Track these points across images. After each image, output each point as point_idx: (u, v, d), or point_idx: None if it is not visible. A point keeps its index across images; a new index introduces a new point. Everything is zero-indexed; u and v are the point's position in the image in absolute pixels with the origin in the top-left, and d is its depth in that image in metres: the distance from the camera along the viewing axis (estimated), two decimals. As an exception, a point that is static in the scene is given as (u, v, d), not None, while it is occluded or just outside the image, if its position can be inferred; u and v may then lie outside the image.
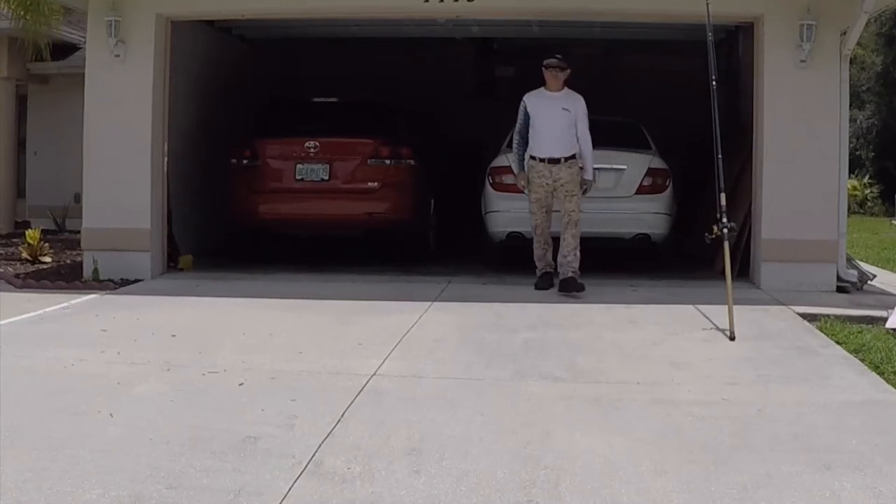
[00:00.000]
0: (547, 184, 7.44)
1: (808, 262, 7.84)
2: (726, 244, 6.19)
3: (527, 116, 7.52)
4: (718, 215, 6.17)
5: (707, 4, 6.40)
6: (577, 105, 7.49)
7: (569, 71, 7.54)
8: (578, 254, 7.38)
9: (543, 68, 7.54)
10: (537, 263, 7.70)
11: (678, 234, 8.89)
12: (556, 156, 7.38)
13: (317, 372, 5.04)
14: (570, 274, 7.32)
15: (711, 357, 5.45)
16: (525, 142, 7.54)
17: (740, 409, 4.40)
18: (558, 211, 7.51)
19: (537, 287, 7.56)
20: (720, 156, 6.33)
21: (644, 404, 4.46)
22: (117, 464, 3.57)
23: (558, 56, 7.53)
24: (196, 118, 9.56)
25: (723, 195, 6.18)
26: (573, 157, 7.41)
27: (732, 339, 5.83)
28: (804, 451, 3.78)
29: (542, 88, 7.60)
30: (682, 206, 8.93)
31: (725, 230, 6.16)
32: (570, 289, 7.25)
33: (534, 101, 7.56)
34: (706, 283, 7.66)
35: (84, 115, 8.51)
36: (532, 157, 7.49)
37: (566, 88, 7.55)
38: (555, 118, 7.43)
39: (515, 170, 7.71)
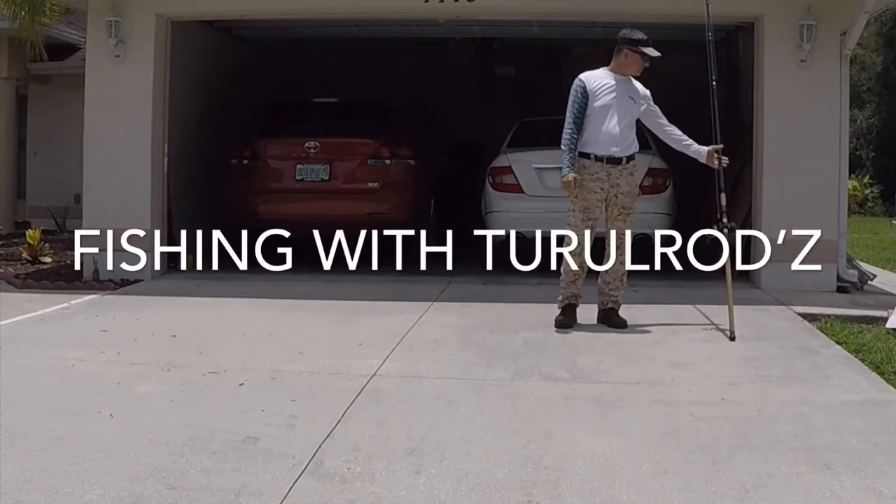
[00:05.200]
0: (601, 189, 6.03)
1: (808, 262, 7.84)
2: (726, 244, 6.19)
3: (585, 100, 6.05)
4: (718, 215, 6.17)
5: (707, 4, 6.39)
6: (646, 95, 6.20)
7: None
8: (626, 281, 6.32)
9: (625, 46, 6.09)
10: (562, 292, 6.22)
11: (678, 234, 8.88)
12: (619, 154, 6.03)
13: (317, 372, 5.04)
14: (611, 304, 6.27)
15: (712, 357, 5.45)
16: (579, 132, 6.06)
17: (741, 409, 4.39)
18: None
19: (560, 325, 6.13)
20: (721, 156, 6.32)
21: (644, 404, 4.46)
22: (117, 464, 3.56)
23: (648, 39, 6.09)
24: (196, 118, 9.55)
25: (723, 195, 6.17)
26: (633, 158, 6.17)
27: (733, 339, 5.83)
28: (804, 451, 3.78)
29: (604, 70, 6.18)
30: (682, 206, 8.92)
31: (725, 230, 6.15)
32: (615, 323, 6.20)
33: (595, 83, 6.08)
34: (706, 283, 7.66)
35: (84, 115, 8.52)
36: (584, 155, 6.04)
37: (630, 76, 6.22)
38: (622, 107, 6.05)
39: (566, 169, 5.99)
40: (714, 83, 6.23)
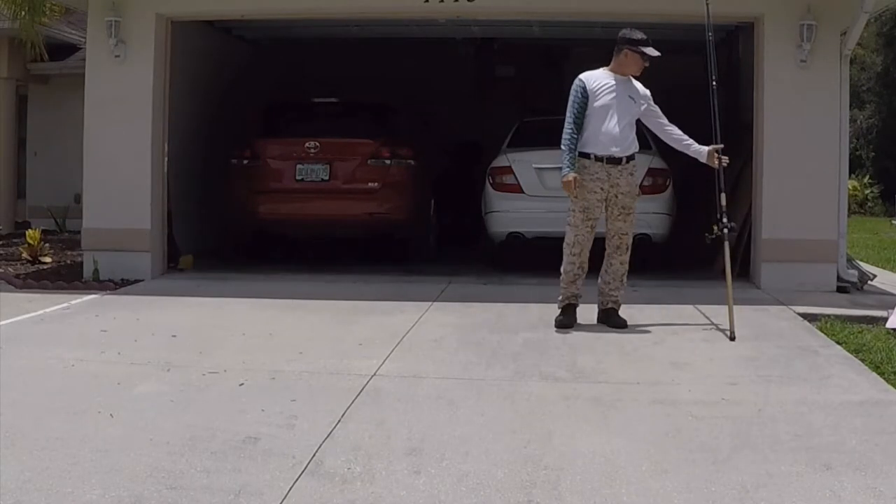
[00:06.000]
0: (601, 189, 6.03)
1: (808, 262, 7.84)
2: (726, 244, 6.19)
3: (584, 100, 6.05)
4: (718, 215, 6.16)
5: (707, 4, 6.39)
6: (646, 95, 6.20)
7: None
8: (626, 281, 6.31)
9: (625, 46, 6.09)
10: (561, 292, 6.21)
11: (679, 233, 8.88)
12: (618, 154, 6.03)
13: (317, 372, 5.04)
14: (611, 304, 6.27)
15: (712, 357, 5.45)
16: (579, 132, 6.05)
17: (740, 409, 4.39)
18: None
19: (560, 325, 6.13)
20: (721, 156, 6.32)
21: (644, 404, 4.45)
22: (117, 464, 3.56)
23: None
24: (196, 118, 9.56)
25: (723, 195, 6.17)
26: (633, 158, 6.17)
27: (733, 339, 5.83)
28: (804, 451, 3.78)
29: (604, 70, 6.18)
30: (682, 206, 8.93)
31: (725, 230, 6.15)
32: (615, 323, 6.21)
33: (595, 83, 6.08)
34: (706, 283, 7.66)
35: (84, 115, 8.52)
36: (584, 155, 6.04)
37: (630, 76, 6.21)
38: (622, 107, 6.05)
39: (566, 169, 5.99)
40: (714, 83, 6.23)
